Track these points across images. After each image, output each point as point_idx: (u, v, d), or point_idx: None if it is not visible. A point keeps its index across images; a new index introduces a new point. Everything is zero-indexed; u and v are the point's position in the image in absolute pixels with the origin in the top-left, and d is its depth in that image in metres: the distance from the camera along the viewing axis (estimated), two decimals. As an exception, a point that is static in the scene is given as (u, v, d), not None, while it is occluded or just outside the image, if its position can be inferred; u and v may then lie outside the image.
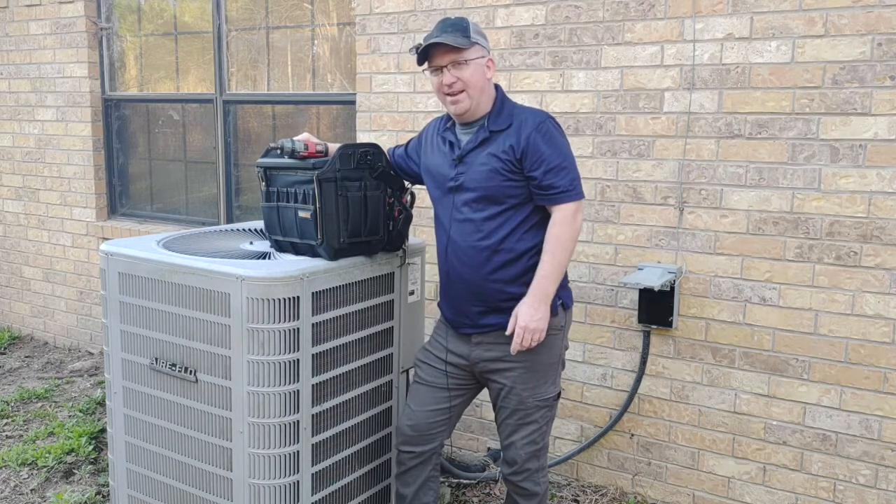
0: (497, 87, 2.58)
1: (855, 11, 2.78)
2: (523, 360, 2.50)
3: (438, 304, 2.71)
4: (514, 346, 2.43)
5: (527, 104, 3.41)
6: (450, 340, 2.65)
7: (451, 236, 2.55)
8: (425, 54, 2.50)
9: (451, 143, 2.57)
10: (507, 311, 2.47)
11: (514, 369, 2.52)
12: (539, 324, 2.40)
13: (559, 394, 2.63)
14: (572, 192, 2.44)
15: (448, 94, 2.49)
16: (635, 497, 3.40)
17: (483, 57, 2.50)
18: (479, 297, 2.53)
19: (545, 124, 2.45)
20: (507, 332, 2.45)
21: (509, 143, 2.45)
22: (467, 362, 2.61)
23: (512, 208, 2.46)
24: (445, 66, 2.47)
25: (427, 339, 2.86)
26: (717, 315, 3.14)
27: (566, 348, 2.64)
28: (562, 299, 2.54)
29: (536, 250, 2.46)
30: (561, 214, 2.43)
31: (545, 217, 2.47)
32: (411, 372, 2.92)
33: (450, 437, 2.78)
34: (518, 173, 2.44)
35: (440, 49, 2.46)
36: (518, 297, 2.45)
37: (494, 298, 2.50)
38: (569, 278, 3.41)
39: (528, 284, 2.45)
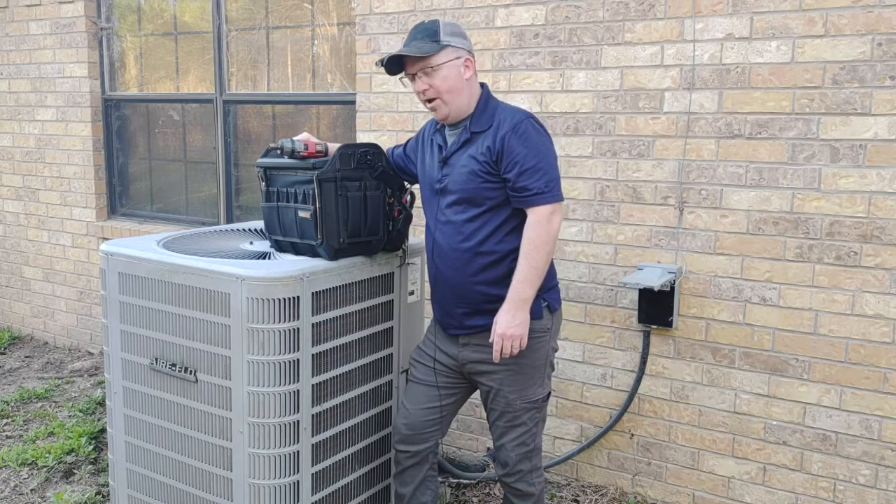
0: (483, 85, 2.56)
1: (855, 11, 2.78)
2: (509, 362, 2.50)
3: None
4: (495, 355, 2.43)
5: (526, 104, 3.42)
6: (440, 340, 2.66)
7: (436, 239, 2.56)
8: (399, 65, 2.50)
9: (439, 146, 2.58)
10: (493, 313, 2.47)
11: (500, 372, 2.52)
12: (517, 330, 2.39)
13: (548, 395, 2.63)
14: (547, 194, 2.39)
15: (426, 101, 2.51)
16: (635, 497, 3.40)
17: (458, 58, 2.46)
18: (464, 300, 2.53)
19: (522, 124, 2.41)
20: (490, 341, 2.45)
21: (487, 144, 2.43)
22: (456, 362, 2.61)
23: (491, 210, 2.45)
24: (416, 74, 2.48)
25: (426, 338, 2.87)
26: (717, 315, 3.14)
27: (555, 350, 2.63)
28: (547, 302, 2.53)
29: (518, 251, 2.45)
30: (535, 217, 2.39)
31: (524, 218, 2.45)
32: (410, 375, 2.92)
33: (444, 436, 2.78)
34: (496, 175, 2.42)
35: (409, 57, 2.46)
36: (503, 299, 2.45)
37: (478, 300, 2.50)
38: (568, 278, 3.42)
39: None
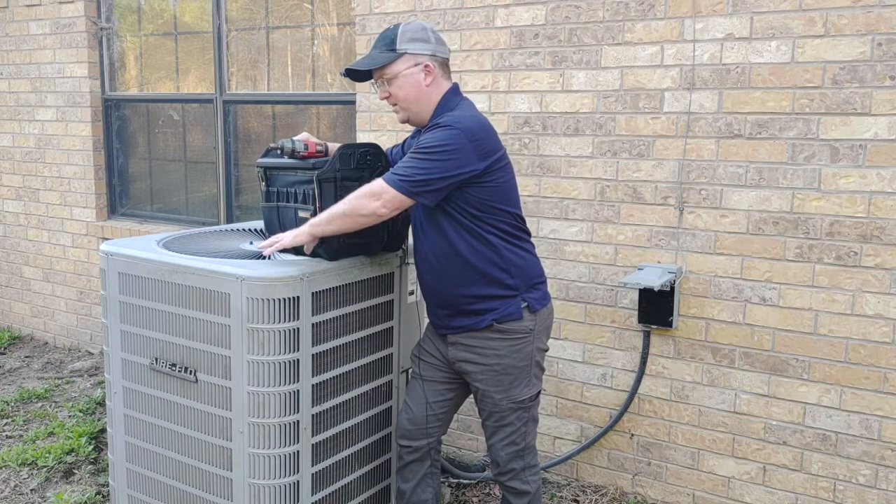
0: (452, 86, 2.54)
1: (855, 11, 2.78)
2: (491, 363, 2.51)
3: None
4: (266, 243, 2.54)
5: (526, 104, 3.43)
6: (434, 338, 2.68)
7: (417, 243, 2.59)
8: (367, 71, 2.51)
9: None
10: (475, 313, 2.49)
11: (483, 372, 2.53)
12: (286, 237, 2.48)
13: (537, 394, 2.62)
14: (392, 176, 2.34)
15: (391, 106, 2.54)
16: (635, 497, 3.40)
17: (416, 65, 2.45)
18: (444, 302, 2.55)
19: (446, 128, 2.36)
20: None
21: None
22: (447, 361, 2.63)
23: (448, 215, 2.44)
24: (377, 82, 2.51)
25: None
26: (717, 315, 3.14)
27: (543, 350, 2.61)
28: (527, 302, 2.51)
29: (484, 254, 2.45)
30: (368, 185, 2.37)
31: (488, 222, 2.44)
32: (411, 371, 2.93)
33: (445, 433, 2.78)
34: None
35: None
36: (480, 297, 2.47)
37: (457, 302, 2.51)
38: (568, 278, 3.42)
39: (487, 285, 2.47)
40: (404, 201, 2.36)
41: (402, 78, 2.45)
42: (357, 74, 2.54)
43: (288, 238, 2.47)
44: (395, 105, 2.52)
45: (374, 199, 2.35)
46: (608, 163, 3.29)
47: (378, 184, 2.36)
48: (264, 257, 2.55)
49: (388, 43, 2.47)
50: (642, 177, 3.23)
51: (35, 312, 5.62)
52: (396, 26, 2.49)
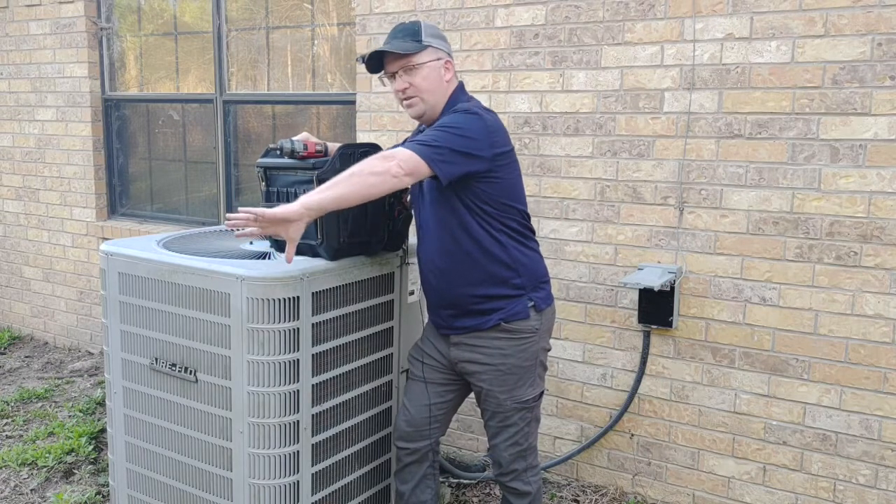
0: (459, 84, 2.56)
1: (855, 11, 2.78)
2: (496, 363, 2.51)
3: None
4: (233, 217, 2.14)
5: (526, 104, 3.43)
6: (434, 338, 2.68)
7: (421, 242, 2.58)
8: (379, 62, 2.50)
9: None
10: (480, 313, 2.48)
11: (488, 372, 2.53)
12: (271, 214, 2.11)
13: (541, 394, 2.62)
14: (417, 144, 2.28)
15: (403, 99, 2.52)
16: (635, 497, 3.40)
17: (439, 59, 2.48)
18: (449, 302, 2.54)
19: (458, 114, 2.39)
20: None
21: None
22: (449, 361, 2.62)
23: (457, 213, 2.44)
24: (397, 73, 2.49)
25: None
26: (717, 315, 3.14)
27: (547, 350, 2.61)
28: (534, 301, 2.51)
29: (493, 252, 2.45)
30: (384, 151, 2.31)
31: (498, 220, 2.45)
32: (409, 373, 2.93)
33: (444, 434, 2.78)
34: None
35: (390, 56, 2.47)
36: (486, 297, 2.46)
37: (463, 302, 2.51)
38: (568, 278, 3.42)
39: (495, 285, 2.46)
40: (420, 164, 2.26)
41: (426, 69, 2.46)
42: (371, 65, 2.52)
43: (270, 214, 2.12)
44: (411, 98, 2.49)
45: (387, 159, 2.25)
46: (608, 163, 3.29)
47: (389, 150, 2.31)
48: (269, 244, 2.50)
49: (412, 35, 2.47)
50: (642, 177, 3.23)
51: (35, 312, 5.62)
52: (416, 21, 2.51)
